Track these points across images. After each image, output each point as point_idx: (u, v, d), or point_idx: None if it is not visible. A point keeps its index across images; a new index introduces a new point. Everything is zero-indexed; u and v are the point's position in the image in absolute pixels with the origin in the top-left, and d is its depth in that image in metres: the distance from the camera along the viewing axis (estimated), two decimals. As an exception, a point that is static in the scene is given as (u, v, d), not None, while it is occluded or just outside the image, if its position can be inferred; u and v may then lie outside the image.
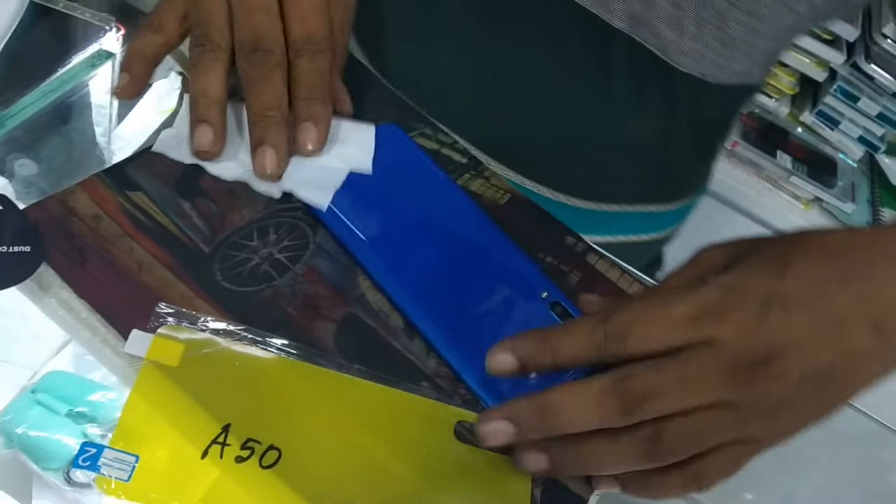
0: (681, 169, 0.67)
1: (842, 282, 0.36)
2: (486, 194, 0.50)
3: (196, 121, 0.43)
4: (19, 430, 0.60)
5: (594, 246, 0.50)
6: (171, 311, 0.38)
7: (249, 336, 0.38)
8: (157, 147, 0.44)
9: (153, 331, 0.37)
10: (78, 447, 0.62)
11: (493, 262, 0.46)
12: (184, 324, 0.38)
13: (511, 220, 0.48)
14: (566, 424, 0.37)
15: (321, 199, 0.44)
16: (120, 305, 0.38)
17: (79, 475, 0.59)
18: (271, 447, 0.36)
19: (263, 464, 0.35)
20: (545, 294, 0.45)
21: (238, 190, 0.44)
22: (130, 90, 0.45)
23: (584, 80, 0.58)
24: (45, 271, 0.38)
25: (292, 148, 0.44)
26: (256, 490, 0.35)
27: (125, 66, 0.45)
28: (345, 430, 0.38)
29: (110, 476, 0.34)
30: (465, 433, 0.39)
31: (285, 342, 0.39)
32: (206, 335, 0.38)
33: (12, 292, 0.37)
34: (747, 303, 0.36)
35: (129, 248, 0.40)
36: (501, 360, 0.38)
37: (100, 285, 0.38)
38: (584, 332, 0.37)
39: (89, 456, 0.34)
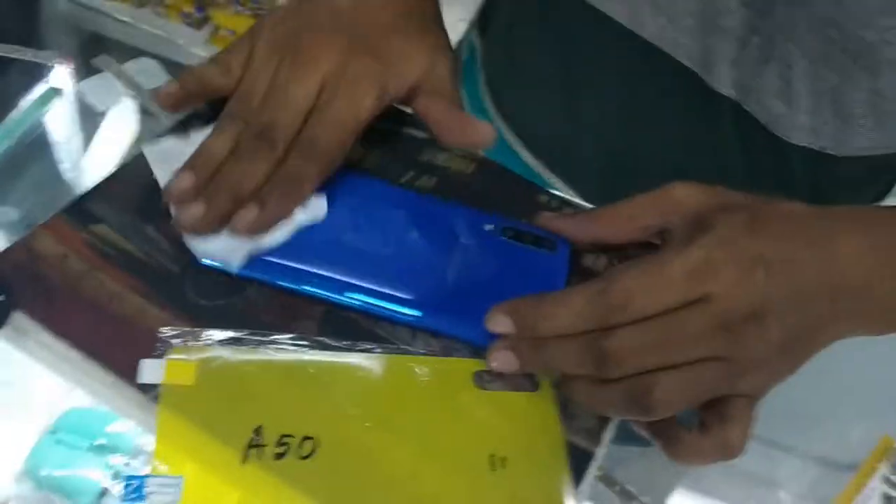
0: None
1: (808, 250, 0.37)
2: (452, 166, 0.49)
3: (222, 205, 0.41)
4: (43, 473, 0.62)
5: (568, 198, 0.49)
6: (174, 332, 0.38)
7: (255, 339, 0.39)
8: (147, 153, 0.44)
9: (160, 356, 0.38)
10: (105, 478, 0.63)
11: (437, 229, 0.45)
12: (189, 342, 0.38)
13: (481, 188, 0.48)
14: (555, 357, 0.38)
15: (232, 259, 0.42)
16: (98, 339, 0.38)
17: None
18: (306, 438, 0.36)
19: (302, 454, 0.36)
20: (490, 226, 0.45)
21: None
22: (173, 101, 0.45)
23: (691, 146, 0.57)
24: (19, 317, 0.39)
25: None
26: (302, 481, 0.36)
27: (181, 80, 0.45)
28: (370, 405, 0.38)
29: (161, 502, 0.34)
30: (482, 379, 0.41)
31: (292, 336, 0.40)
32: (214, 347, 0.38)
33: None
34: (736, 261, 0.36)
35: (98, 282, 0.40)
36: (499, 321, 0.39)
37: (76, 323, 0.39)
38: (584, 301, 0.38)
39: (135, 488, 0.34)
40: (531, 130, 0.67)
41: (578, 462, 0.40)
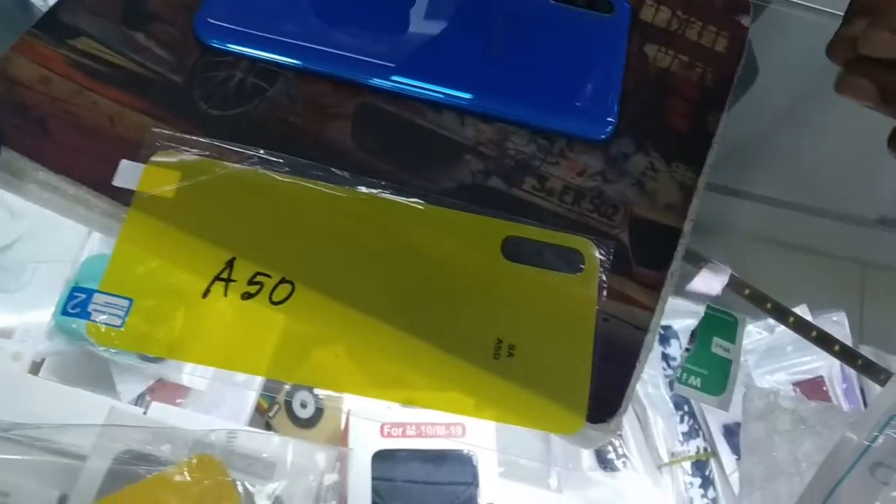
0: None
1: None
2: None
3: None
4: (74, 325, 0.58)
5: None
6: (165, 134, 0.33)
7: (255, 155, 0.33)
8: None
9: (144, 160, 0.32)
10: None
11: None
12: (179, 149, 0.33)
13: None
14: None
15: None
16: (104, 169, 0.33)
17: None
18: (283, 280, 0.31)
19: (274, 299, 0.31)
20: None
21: (193, 2, 0.37)
22: None
23: None
24: (10, 156, 0.33)
25: None
26: (266, 329, 0.31)
27: None
28: (370, 255, 0.33)
29: (101, 322, 0.30)
30: (514, 249, 0.34)
31: (296, 158, 0.34)
32: (205, 159, 0.33)
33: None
34: None
35: (91, 103, 0.34)
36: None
37: (74, 154, 0.33)
38: None
39: (79, 302, 0.30)
40: None
41: (665, 241, 0.35)
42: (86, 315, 0.30)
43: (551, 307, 0.33)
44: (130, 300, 0.30)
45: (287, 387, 0.57)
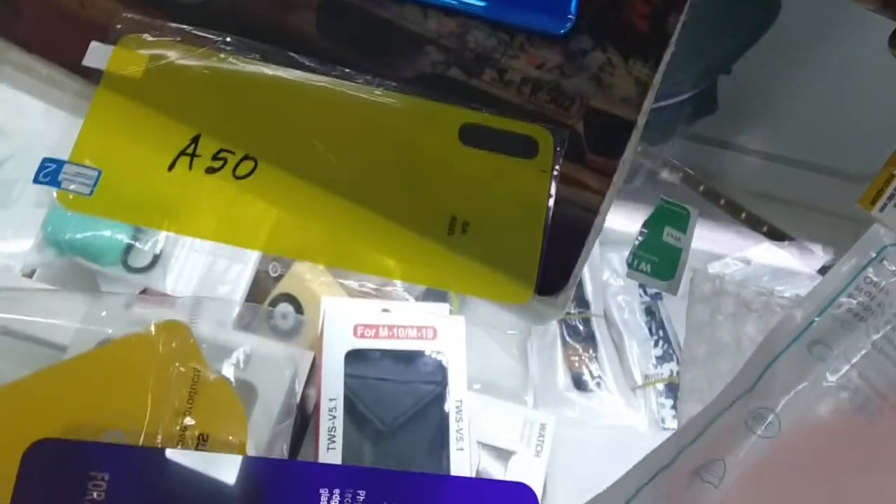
0: None
1: None
2: None
3: None
4: (66, 237, 0.60)
5: None
6: (134, 20, 0.34)
7: (220, 41, 0.35)
8: None
9: (114, 42, 0.34)
10: (126, 237, 0.62)
11: None
12: (148, 34, 0.34)
13: None
14: None
15: None
16: (75, 50, 0.34)
17: (138, 260, 0.59)
18: (246, 157, 0.33)
19: (237, 174, 0.33)
20: None
21: None
22: None
23: None
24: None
25: None
26: (228, 200, 0.33)
27: None
28: (331, 137, 0.35)
29: (71, 191, 0.32)
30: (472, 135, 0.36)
31: (260, 43, 0.35)
32: (172, 43, 0.34)
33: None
34: None
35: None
36: None
37: (46, 36, 0.35)
38: None
39: (49, 171, 0.32)
40: None
41: (619, 132, 0.37)
42: (56, 183, 0.32)
43: (505, 188, 0.35)
44: (99, 171, 0.32)
45: (268, 299, 0.59)
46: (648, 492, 0.30)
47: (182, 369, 0.35)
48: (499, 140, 0.36)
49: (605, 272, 0.71)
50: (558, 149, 0.36)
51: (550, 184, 0.35)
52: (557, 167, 0.35)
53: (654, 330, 0.70)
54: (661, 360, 0.69)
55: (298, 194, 0.33)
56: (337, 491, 0.33)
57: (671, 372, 0.68)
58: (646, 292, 0.71)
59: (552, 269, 0.34)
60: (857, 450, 0.32)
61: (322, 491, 0.33)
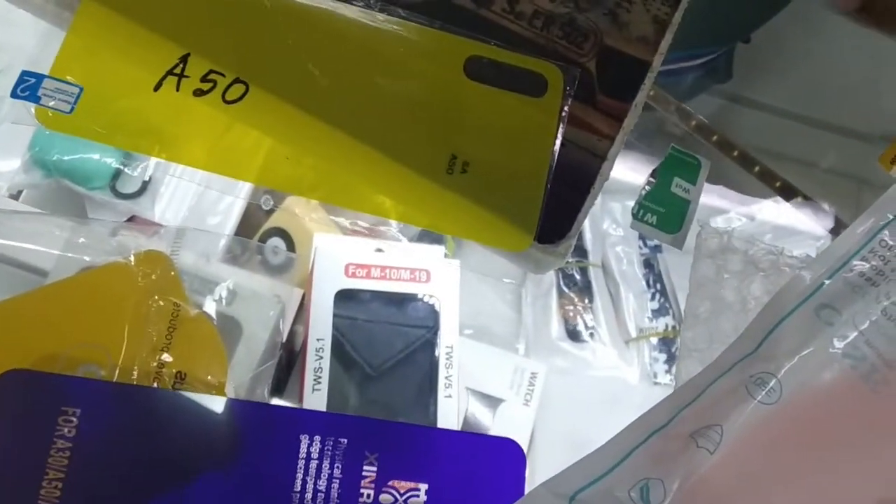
0: None
1: None
2: None
3: None
4: (53, 158, 0.58)
5: None
6: None
7: None
8: None
9: None
10: (115, 161, 0.60)
11: None
12: None
13: None
14: None
15: None
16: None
17: (126, 186, 0.58)
18: (237, 80, 0.31)
19: (227, 98, 0.31)
20: None
21: None
22: None
23: None
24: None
25: None
26: (219, 127, 0.31)
27: None
28: (327, 63, 0.32)
29: (50, 107, 0.30)
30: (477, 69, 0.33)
31: None
32: None
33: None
34: None
35: None
36: None
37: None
38: None
39: (28, 85, 0.30)
40: None
41: (633, 73, 0.35)
42: (35, 99, 0.30)
43: (509, 128, 0.33)
44: (81, 87, 0.30)
45: (258, 235, 0.58)
46: (641, 453, 0.29)
47: (161, 303, 0.34)
48: (506, 76, 0.34)
49: (606, 221, 0.69)
50: (568, 88, 0.34)
51: (558, 125, 0.33)
52: (566, 108, 0.33)
53: (651, 283, 0.69)
54: (657, 313, 0.68)
55: (291, 124, 0.31)
56: (318, 437, 0.32)
57: (666, 326, 0.67)
58: (645, 244, 0.70)
59: (554, 216, 0.32)
60: (859, 420, 0.31)
61: (302, 437, 0.32)
